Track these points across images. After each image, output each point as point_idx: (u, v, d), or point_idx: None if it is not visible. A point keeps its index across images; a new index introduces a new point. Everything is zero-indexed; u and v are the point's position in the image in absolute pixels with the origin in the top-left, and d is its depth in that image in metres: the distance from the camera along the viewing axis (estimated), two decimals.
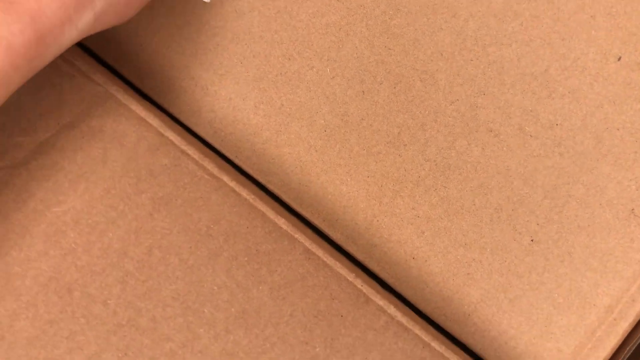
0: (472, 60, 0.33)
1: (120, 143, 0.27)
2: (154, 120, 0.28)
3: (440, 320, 0.32)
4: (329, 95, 0.32)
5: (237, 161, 0.32)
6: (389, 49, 0.32)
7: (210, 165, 0.28)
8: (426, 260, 0.32)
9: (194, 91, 0.32)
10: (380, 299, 0.28)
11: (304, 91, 0.32)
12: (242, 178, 0.29)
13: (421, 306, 0.32)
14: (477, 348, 0.32)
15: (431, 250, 0.32)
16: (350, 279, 0.28)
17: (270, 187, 0.32)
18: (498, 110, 0.32)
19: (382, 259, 0.32)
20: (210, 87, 0.32)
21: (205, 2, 0.32)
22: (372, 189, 0.32)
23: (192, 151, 0.28)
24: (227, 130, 0.32)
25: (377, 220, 0.32)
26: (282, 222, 0.28)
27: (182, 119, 0.32)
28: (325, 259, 0.28)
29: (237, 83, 0.32)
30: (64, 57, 0.28)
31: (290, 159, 0.32)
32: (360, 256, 0.31)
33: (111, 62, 0.32)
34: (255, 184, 0.30)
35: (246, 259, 0.27)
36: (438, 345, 0.28)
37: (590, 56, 0.34)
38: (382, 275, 0.32)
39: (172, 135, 0.28)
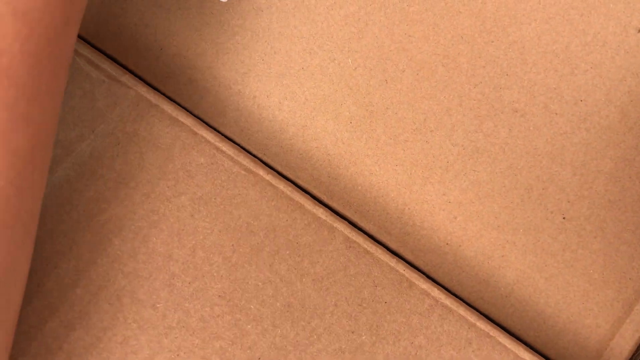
0: (493, 42, 0.33)
1: (155, 145, 0.28)
2: (186, 119, 0.29)
3: (477, 303, 0.33)
4: (353, 86, 0.33)
5: (265, 158, 0.32)
6: (409, 35, 0.33)
7: (246, 160, 0.29)
8: (460, 245, 0.33)
9: (218, 91, 0.33)
10: (423, 283, 0.29)
11: (327, 84, 0.33)
12: (275, 173, 0.30)
13: (458, 291, 0.33)
14: (516, 329, 0.33)
15: (464, 234, 0.33)
16: (392, 265, 0.29)
17: (300, 182, 0.32)
18: (522, 90, 0.33)
19: (416, 246, 0.32)
20: (233, 87, 0.33)
21: (222, 2, 0.32)
22: (401, 177, 0.33)
23: (227, 147, 0.29)
24: (253, 129, 0.33)
25: (409, 209, 0.32)
26: (321, 212, 0.29)
27: (208, 119, 0.32)
28: (366, 246, 0.29)
29: (260, 81, 0.33)
30: (92, 62, 0.29)
31: (318, 153, 0.33)
32: (394, 245, 0.32)
33: (132, 67, 0.33)
34: (285, 180, 0.31)
35: (288, 252, 0.28)
36: (483, 325, 0.29)
37: (610, 30, 0.34)
38: (417, 262, 0.32)
39: (206, 133, 0.29)
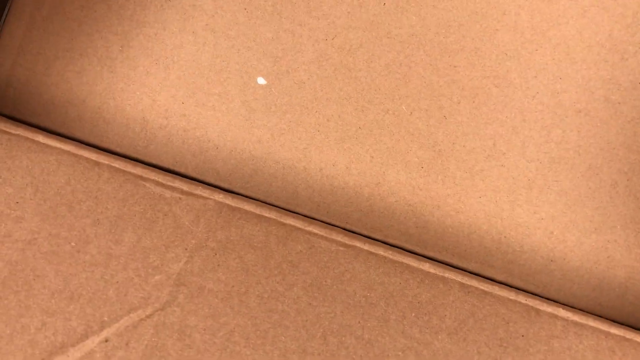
0: (537, 50, 0.33)
1: (251, 246, 0.28)
2: (270, 212, 0.29)
3: (597, 310, 0.32)
4: (413, 131, 0.32)
5: (348, 227, 0.32)
6: (455, 66, 0.32)
7: (340, 236, 0.29)
8: (564, 259, 0.32)
9: (284, 174, 0.32)
10: (547, 307, 0.29)
11: (388, 136, 0.32)
12: (372, 240, 0.30)
13: (574, 304, 0.32)
14: None
15: (565, 247, 0.32)
16: (512, 298, 0.29)
17: (390, 240, 0.32)
18: (579, 89, 0.33)
19: (522, 272, 0.32)
20: (297, 165, 0.32)
21: (262, 85, 0.32)
22: (488, 208, 0.32)
23: (318, 229, 0.29)
24: (328, 201, 0.32)
25: (505, 237, 0.32)
26: (427, 266, 0.29)
27: (282, 204, 0.32)
28: (482, 287, 0.29)
29: (322, 152, 0.32)
30: (161, 184, 0.29)
31: (398, 206, 0.32)
32: (500, 277, 0.31)
33: (192, 173, 0.32)
34: (384, 245, 0.31)
35: (413, 314, 0.28)
36: (617, 330, 0.28)
37: None
38: (529, 288, 0.32)
39: (293, 221, 0.29)
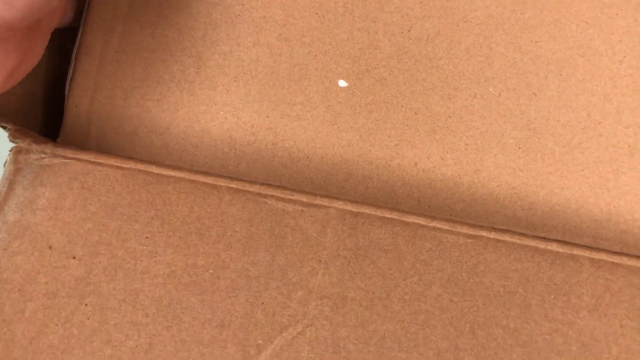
0: (617, 14, 0.33)
1: (382, 250, 0.31)
2: (392, 214, 0.30)
3: None
4: (504, 112, 0.32)
5: (453, 219, 0.31)
6: (536, 42, 0.32)
7: (464, 228, 0.30)
8: None
9: (378, 174, 0.32)
10: None
11: (479, 121, 0.32)
12: (498, 230, 0.30)
13: None
14: None
15: None
16: None
17: (498, 226, 0.31)
18: None
19: (638, 240, 0.31)
20: (391, 163, 0.32)
21: (343, 87, 0.32)
22: (592, 180, 0.31)
23: (442, 224, 0.30)
24: (428, 194, 0.32)
25: (614, 207, 0.31)
26: (555, 246, 0.29)
27: (382, 204, 0.31)
28: (611, 260, 0.28)
29: (414, 146, 0.32)
30: (282, 198, 0.30)
31: (501, 191, 0.31)
32: (616, 248, 0.31)
33: (286, 184, 0.32)
34: (510, 231, 0.30)
35: (552, 296, 0.28)
36: None
37: None
38: None
39: (415, 219, 0.30)
